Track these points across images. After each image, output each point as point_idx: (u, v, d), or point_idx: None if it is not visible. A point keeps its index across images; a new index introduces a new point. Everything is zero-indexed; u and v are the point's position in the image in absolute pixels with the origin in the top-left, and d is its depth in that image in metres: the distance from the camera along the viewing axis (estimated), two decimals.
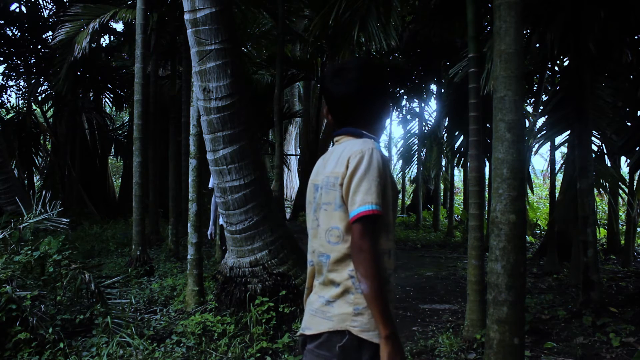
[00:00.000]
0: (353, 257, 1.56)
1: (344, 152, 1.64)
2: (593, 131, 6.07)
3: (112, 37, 15.37)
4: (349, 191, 1.58)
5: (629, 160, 6.15)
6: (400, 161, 14.97)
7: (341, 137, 1.73)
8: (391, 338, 1.52)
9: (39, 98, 14.63)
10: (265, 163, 13.47)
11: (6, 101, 15.24)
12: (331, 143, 1.90)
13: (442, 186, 15.14)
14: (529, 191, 8.27)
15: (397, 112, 15.19)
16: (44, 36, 13.32)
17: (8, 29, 13.35)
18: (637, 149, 5.65)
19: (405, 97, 14.16)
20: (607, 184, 6.85)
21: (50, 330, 3.89)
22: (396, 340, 1.53)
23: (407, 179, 17.75)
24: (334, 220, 1.62)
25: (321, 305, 1.65)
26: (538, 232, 13.09)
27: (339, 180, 1.61)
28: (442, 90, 12.04)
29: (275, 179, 9.45)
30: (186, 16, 4.31)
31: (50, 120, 15.72)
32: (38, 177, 17.39)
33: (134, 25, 7.62)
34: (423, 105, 14.04)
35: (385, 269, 1.61)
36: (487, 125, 7.22)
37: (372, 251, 1.53)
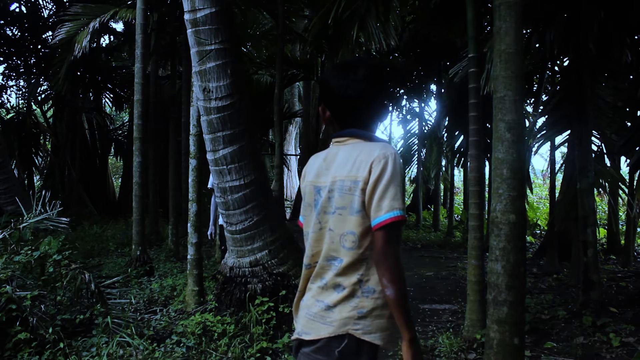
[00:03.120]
0: (378, 264, 1.55)
1: (360, 155, 1.59)
2: (593, 131, 6.06)
3: (112, 37, 15.37)
4: (372, 197, 1.54)
5: (628, 160, 6.15)
6: (401, 161, 14.96)
7: (347, 139, 1.68)
8: (414, 341, 1.55)
9: (39, 98, 14.64)
10: (265, 163, 13.47)
11: (6, 101, 15.25)
12: (333, 143, 1.88)
13: (442, 186, 15.15)
14: (528, 191, 8.27)
15: (397, 112, 15.20)
16: (44, 36, 13.32)
17: (8, 29, 13.35)
18: (637, 149, 5.65)
19: (405, 97, 14.16)
20: (607, 184, 6.85)
21: (50, 330, 3.89)
22: (418, 343, 1.56)
23: (407, 179, 17.77)
24: (350, 225, 1.59)
25: (320, 310, 1.63)
26: (538, 232, 13.09)
27: (361, 185, 1.56)
28: (442, 90, 12.04)
29: (275, 179, 9.46)
30: (186, 16, 4.31)
31: (50, 120, 15.72)
32: (38, 177, 17.38)
33: (134, 25, 7.61)
34: (423, 105, 14.05)
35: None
36: (487, 125, 7.22)
37: (398, 257, 1.54)
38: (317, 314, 1.64)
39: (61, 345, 3.79)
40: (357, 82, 1.64)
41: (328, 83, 1.70)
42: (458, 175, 15.42)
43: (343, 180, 1.60)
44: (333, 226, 1.63)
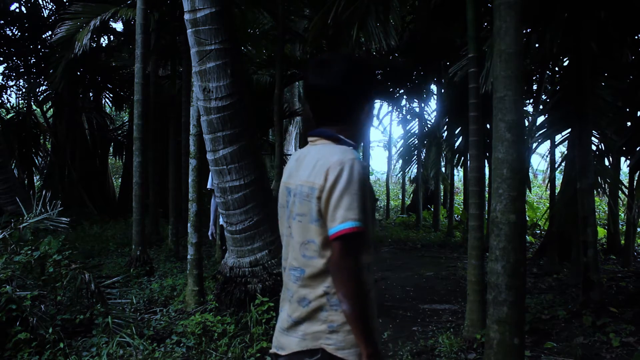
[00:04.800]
0: (333, 277, 1.47)
1: (320, 160, 1.51)
2: (593, 131, 6.06)
3: (112, 37, 15.37)
4: (328, 206, 1.46)
5: (629, 161, 6.15)
6: (400, 161, 14.96)
7: (317, 139, 1.61)
8: (375, 356, 1.47)
9: (39, 98, 14.63)
10: (265, 163, 13.47)
11: (6, 101, 15.25)
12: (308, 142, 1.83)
13: (442, 186, 15.14)
14: (528, 191, 8.27)
15: (397, 112, 15.20)
16: (43, 36, 13.31)
17: (8, 29, 13.35)
18: (637, 149, 5.65)
19: (405, 97, 14.17)
20: (607, 184, 6.85)
21: (50, 330, 3.89)
22: (379, 358, 1.48)
23: (407, 179, 17.76)
24: (310, 234, 1.51)
25: (290, 325, 1.58)
26: (538, 232, 13.08)
27: (316, 193, 1.48)
28: (442, 90, 12.05)
29: (275, 179, 9.44)
30: (186, 16, 4.31)
31: (50, 120, 15.72)
32: (38, 177, 17.38)
33: (134, 25, 7.62)
34: (423, 105, 14.05)
35: (365, 284, 1.50)
36: (487, 125, 7.22)
37: (354, 270, 1.44)
38: (289, 328, 1.59)
39: (61, 345, 3.79)
40: (330, 76, 1.58)
41: (306, 77, 1.65)
42: (458, 175, 15.42)
43: (302, 186, 1.53)
44: (294, 233, 1.56)
